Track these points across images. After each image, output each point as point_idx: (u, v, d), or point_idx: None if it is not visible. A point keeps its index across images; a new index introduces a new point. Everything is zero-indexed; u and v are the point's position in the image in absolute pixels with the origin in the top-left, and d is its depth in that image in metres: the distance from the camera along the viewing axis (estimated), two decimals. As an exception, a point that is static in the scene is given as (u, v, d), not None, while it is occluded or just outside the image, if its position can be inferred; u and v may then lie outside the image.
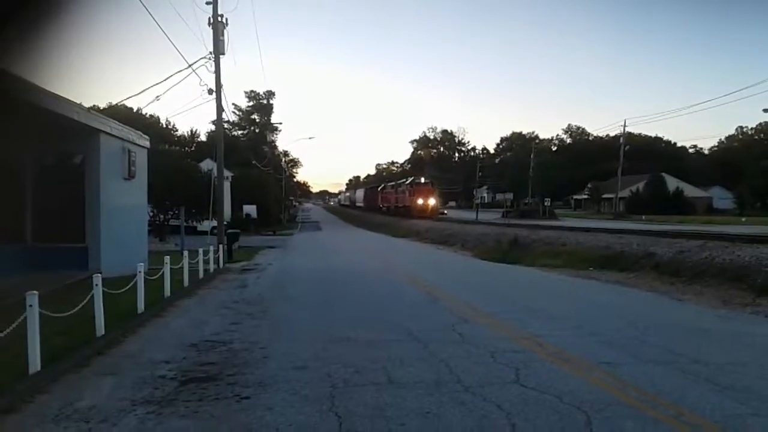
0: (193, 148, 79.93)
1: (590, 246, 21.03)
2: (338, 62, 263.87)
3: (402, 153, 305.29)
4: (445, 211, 67.97)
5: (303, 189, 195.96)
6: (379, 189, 77.94)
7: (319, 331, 9.20)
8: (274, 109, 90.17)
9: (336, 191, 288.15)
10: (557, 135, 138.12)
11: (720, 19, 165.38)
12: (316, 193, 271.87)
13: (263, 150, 69.13)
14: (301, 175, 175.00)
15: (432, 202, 55.27)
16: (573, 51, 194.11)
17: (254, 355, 7.71)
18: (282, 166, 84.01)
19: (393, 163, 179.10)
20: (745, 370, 6.74)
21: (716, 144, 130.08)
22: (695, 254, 15.97)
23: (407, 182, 61.11)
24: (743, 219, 56.56)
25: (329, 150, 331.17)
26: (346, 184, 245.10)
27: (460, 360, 7.24)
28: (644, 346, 8.00)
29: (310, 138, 71.76)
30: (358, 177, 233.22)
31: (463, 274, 18.37)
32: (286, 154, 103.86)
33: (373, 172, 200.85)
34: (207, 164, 41.21)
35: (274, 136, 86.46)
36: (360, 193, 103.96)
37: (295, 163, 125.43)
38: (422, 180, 59.22)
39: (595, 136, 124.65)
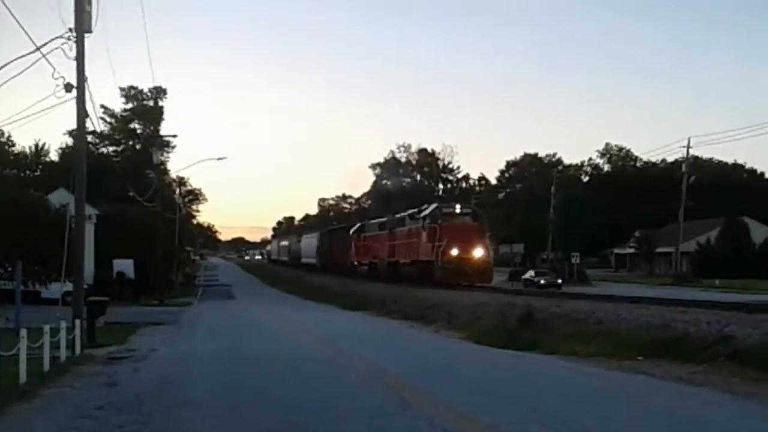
0: (38, 172, 79.33)
1: (638, 325, 21.40)
2: (266, 61, 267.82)
3: (359, 184, 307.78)
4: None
5: (208, 236, 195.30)
6: (352, 231, 68.28)
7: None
8: (164, 116, 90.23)
9: (258, 239, 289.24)
10: (590, 159, 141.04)
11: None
12: (227, 242, 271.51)
13: (147, 176, 68.90)
14: (205, 215, 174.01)
15: (480, 253, 44.47)
16: (610, 42, 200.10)
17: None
18: (176, 200, 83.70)
19: (345, 197, 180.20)
20: None
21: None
22: (793, 337, 16.31)
23: (426, 211, 48.37)
24: None
25: (248, 181, 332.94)
26: (274, 229, 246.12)
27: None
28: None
29: (219, 159, 70.81)
30: (292, 218, 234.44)
31: (449, 366, 18.47)
32: (182, 182, 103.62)
33: (314, 210, 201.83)
34: (60, 196, 41.02)
35: (165, 155, 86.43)
36: (310, 241, 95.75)
37: (196, 196, 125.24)
38: (457, 209, 47.87)
39: (644, 162, 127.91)
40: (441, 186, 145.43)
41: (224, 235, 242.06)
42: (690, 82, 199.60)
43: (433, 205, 50.05)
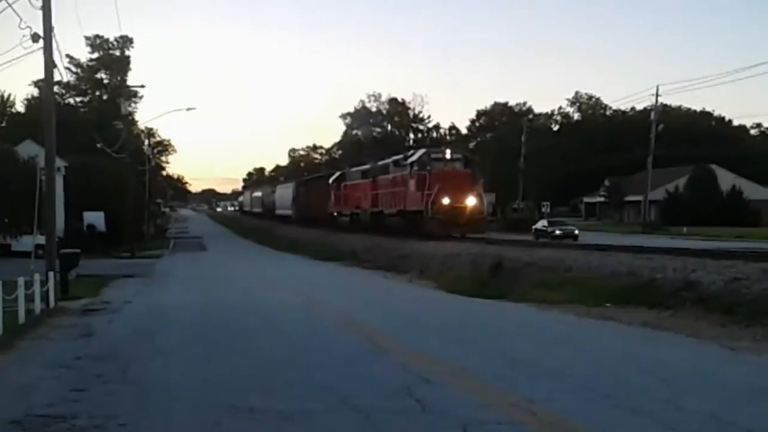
0: (3, 124, 78.44)
1: (607, 272, 21.74)
2: (237, 9, 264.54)
3: (329, 134, 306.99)
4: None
5: (178, 187, 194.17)
6: (331, 180, 64.60)
7: (209, 398, 9.37)
8: (132, 66, 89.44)
9: (229, 190, 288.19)
10: (560, 108, 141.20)
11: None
12: (198, 194, 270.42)
13: (116, 127, 68.36)
14: (174, 166, 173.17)
15: (473, 202, 41.16)
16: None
17: (110, 437, 7.85)
18: (145, 152, 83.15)
19: (316, 147, 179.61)
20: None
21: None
22: (756, 283, 16.71)
23: (413, 157, 45.15)
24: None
25: (218, 133, 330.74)
26: (244, 180, 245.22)
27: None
28: (681, 413, 8.49)
29: (188, 110, 70.41)
30: (262, 169, 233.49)
31: (421, 314, 18.78)
32: (150, 133, 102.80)
33: (284, 161, 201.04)
34: (27, 148, 40.71)
35: (133, 106, 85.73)
36: (285, 192, 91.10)
37: (165, 147, 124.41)
38: (447, 154, 44.74)
39: (614, 110, 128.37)
40: (412, 135, 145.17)
41: (194, 187, 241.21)
42: (659, 30, 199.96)
43: (421, 151, 46.98)
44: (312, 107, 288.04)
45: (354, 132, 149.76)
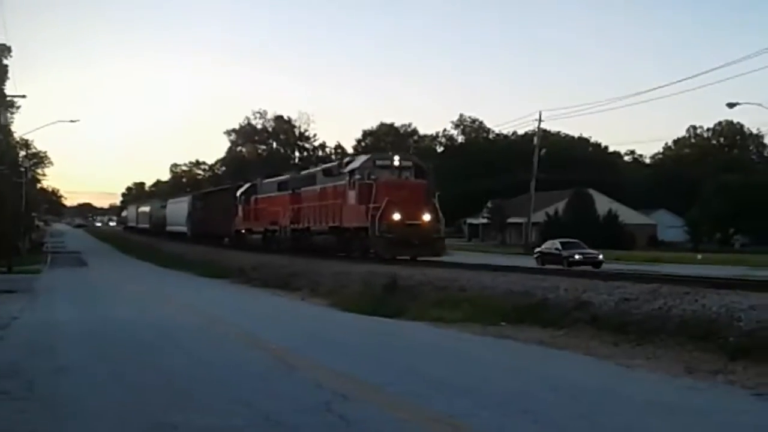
0: None
1: (501, 291, 22.22)
2: (122, 21, 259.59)
3: (213, 150, 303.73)
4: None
5: (53, 201, 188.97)
6: (239, 193, 58.00)
7: (128, 416, 9.27)
8: (10, 75, 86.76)
9: (106, 205, 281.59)
10: (444, 130, 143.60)
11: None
12: (73, 208, 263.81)
13: (-7, 138, 66.32)
14: (50, 180, 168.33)
15: (428, 218, 35.74)
16: (465, 17, 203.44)
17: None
18: (21, 164, 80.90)
19: (198, 163, 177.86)
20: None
21: (661, 150, 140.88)
22: (645, 303, 17.38)
23: (354, 164, 39.00)
24: (699, 256, 61.58)
25: (96, 145, 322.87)
26: (123, 195, 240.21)
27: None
28: (596, 428, 8.85)
29: (72, 121, 68.49)
30: (143, 184, 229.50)
31: (323, 332, 18.83)
32: (26, 145, 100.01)
33: (166, 176, 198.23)
34: None
35: (10, 116, 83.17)
36: (178, 207, 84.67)
37: (41, 159, 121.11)
38: (395, 160, 38.32)
39: (497, 134, 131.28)
40: (297, 154, 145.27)
41: (70, 200, 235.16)
42: (540, 58, 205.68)
43: (364, 157, 40.64)
44: (195, 123, 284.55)
45: (238, 149, 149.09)
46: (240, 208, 57.01)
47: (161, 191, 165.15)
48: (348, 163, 40.02)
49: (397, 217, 34.57)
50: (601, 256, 45.75)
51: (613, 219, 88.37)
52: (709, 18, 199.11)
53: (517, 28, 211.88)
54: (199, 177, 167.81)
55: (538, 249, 51.05)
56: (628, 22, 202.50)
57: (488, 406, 9.93)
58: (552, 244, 49.22)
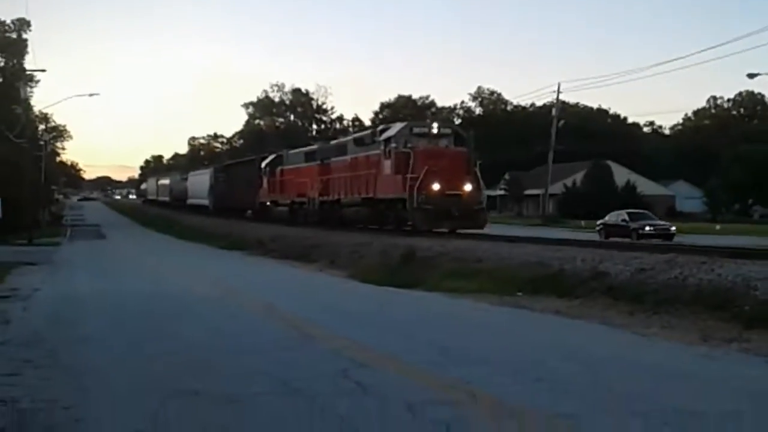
0: None
1: (517, 263, 22.28)
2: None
3: (231, 123, 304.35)
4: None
5: (71, 174, 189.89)
6: (264, 164, 55.57)
7: (148, 382, 9.44)
8: (29, 49, 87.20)
9: (125, 178, 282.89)
10: (462, 102, 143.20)
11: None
12: (91, 181, 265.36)
13: (13, 111, 66.58)
14: (69, 153, 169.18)
15: (469, 188, 33.66)
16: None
17: (58, 420, 7.84)
18: (40, 138, 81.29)
19: (217, 136, 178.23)
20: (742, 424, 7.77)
21: (681, 121, 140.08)
22: (661, 273, 17.44)
23: (390, 131, 36.69)
24: (717, 227, 61.43)
25: (114, 119, 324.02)
26: (141, 168, 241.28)
27: (367, 419, 7.77)
28: (610, 395, 8.92)
29: (91, 95, 68.39)
30: (161, 157, 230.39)
31: (340, 302, 18.99)
32: (46, 118, 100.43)
33: (184, 150, 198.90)
34: None
35: (30, 90, 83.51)
36: (200, 179, 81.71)
37: (60, 133, 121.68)
38: (434, 128, 36.35)
39: (515, 106, 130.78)
40: (315, 126, 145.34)
41: (88, 174, 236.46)
42: (559, 28, 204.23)
43: (400, 124, 37.77)
44: (213, 96, 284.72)
45: (256, 122, 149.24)
46: (265, 180, 55.01)
47: (179, 164, 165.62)
48: (383, 131, 37.63)
49: (436, 187, 32.68)
50: (673, 228, 43.32)
51: (632, 190, 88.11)
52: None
53: (535, 1, 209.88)
54: (217, 150, 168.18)
55: (600, 221, 47.07)
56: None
57: (503, 373, 10.05)
58: (618, 216, 45.93)
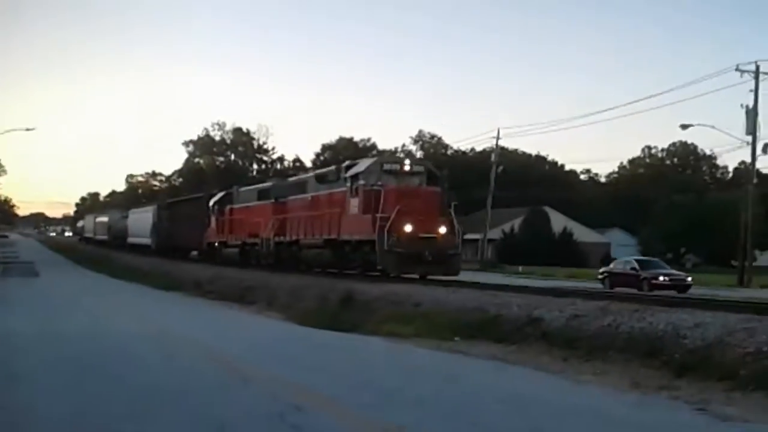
0: None
1: (455, 307, 22.44)
2: (79, 27, 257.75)
3: (170, 161, 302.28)
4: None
5: (5, 210, 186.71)
6: (212, 203, 52.40)
7: (84, 426, 9.38)
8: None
9: (59, 215, 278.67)
10: (403, 145, 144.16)
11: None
12: (25, 218, 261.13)
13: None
14: (4, 188, 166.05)
15: (444, 230, 31.33)
16: (424, 34, 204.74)
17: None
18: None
19: (155, 174, 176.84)
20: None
21: (616, 169, 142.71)
22: (595, 320, 17.76)
23: (358, 167, 34.01)
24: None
25: (50, 155, 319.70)
26: (77, 205, 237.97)
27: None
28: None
29: (28, 130, 66.76)
30: (97, 194, 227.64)
31: (277, 344, 18.97)
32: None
33: (121, 187, 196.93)
34: None
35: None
36: (141, 217, 77.50)
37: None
38: (406, 165, 34.23)
39: (455, 150, 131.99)
40: (255, 166, 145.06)
41: (22, 210, 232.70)
42: (499, 75, 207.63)
43: (369, 161, 35.61)
44: (152, 134, 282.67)
45: (196, 160, 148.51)
46: (213, 219, 51.34)
47: (117, 202, 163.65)
48: (349, 167, 34.81)
49: (409, 228, 30.26)
50: (689, 279, 40.01)
51: (568, 237, 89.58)
52: (664, 41, 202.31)
53: (476, 47, 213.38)
54: (156, 188, 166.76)
55: (604, 269, 43.93)
56: (587, 42, 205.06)
57: (439, 417, 10.17)
58: (626, 264, 42.43)
